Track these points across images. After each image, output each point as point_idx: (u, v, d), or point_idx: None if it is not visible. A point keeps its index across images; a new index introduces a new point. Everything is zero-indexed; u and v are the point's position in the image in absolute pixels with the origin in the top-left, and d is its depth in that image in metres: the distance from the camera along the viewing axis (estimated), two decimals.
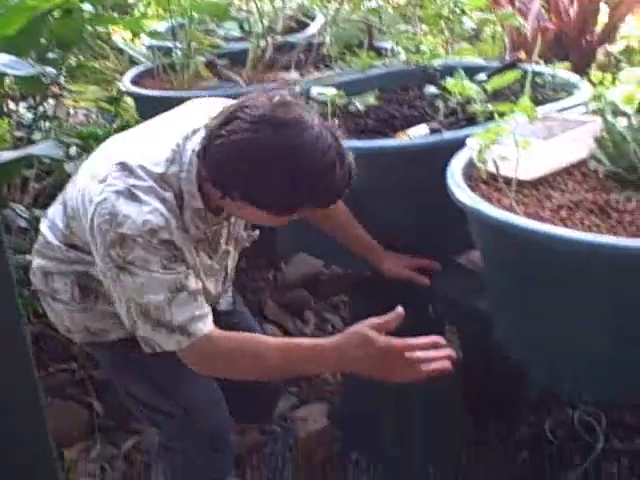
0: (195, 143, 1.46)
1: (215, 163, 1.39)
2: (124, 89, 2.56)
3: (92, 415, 2.40)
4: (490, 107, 1.71)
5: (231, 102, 1.46)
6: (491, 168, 1.52)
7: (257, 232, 1.79)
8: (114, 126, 2.74)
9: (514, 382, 2.35)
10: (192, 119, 1.53)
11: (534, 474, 2.09)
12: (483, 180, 1.57)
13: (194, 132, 1.48)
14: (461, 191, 1.48)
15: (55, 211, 1.66)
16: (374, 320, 1.45)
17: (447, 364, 1.44)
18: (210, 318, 1.48)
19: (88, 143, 2.31)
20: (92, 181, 1.47)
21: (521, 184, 1.52)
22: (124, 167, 1.44)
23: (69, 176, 2.31)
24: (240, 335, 1.52)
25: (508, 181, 1.49)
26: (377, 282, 1.98)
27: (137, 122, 2.99)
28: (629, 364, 1.40)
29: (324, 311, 3.00)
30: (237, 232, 1.72)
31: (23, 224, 2.25)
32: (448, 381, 2.20)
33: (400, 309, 1.45)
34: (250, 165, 1.35)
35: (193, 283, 1.46)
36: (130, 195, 1.41)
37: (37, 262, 1.68)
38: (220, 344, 1.46)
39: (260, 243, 3.25)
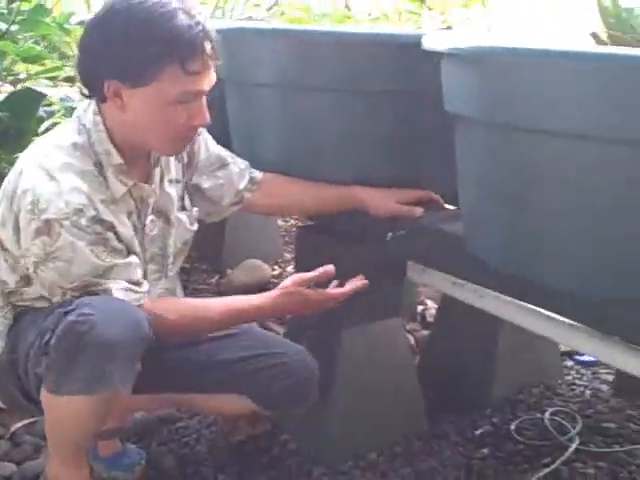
0: (92, 108, 1.44)
1: (85, 54, 1.39)
2: None
3: None
4: None
5: None
6: None
7: (195, 211, 1.65)
8: None
9: (478, 378, 2.05)
10: None
11: (495, 472, 1.74)
12: None
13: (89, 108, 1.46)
14: (435, 38, 1.25)
15: None
16: (305, 276, 1.55)
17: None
18: (145, 294, 1.41)
19: None
20: (7, 189, 1.40)
21: None
22: (35, 155, 1.39)
23: None
24: (176, 304, 1.52)
25: None
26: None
27: None
28: None
29: (269, 321, 2.68)
30: (169, 209, 1.57)
31: None
32: (404, 371, 1.90)
33: (330, 267, 1.56)
34: (97, 42, 1.35)
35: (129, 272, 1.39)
36: (48, 177, 1.34)
37: None
38: (156, 318, 1.39)
39: (206, 247, 2.98)
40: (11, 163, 2.39)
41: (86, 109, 1.44)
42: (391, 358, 1.86)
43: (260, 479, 1.71)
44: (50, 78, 2.52)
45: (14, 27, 2.46)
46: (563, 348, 2.28)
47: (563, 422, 1.91)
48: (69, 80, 2.25)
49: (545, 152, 1.21)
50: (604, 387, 2.13)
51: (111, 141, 1.41)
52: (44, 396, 1.35)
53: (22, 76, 2.64)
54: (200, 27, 1.33)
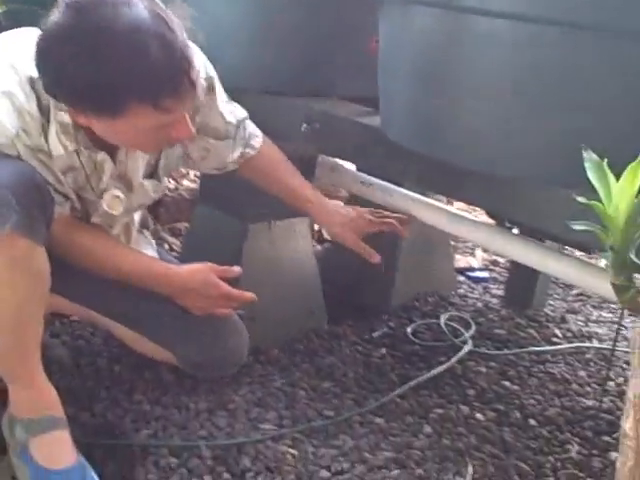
0: None
1: (40, 68, 1.19)
2: None
3: None
4: None
5: None
6: None
7: (165, 184, 1.58)
8: None
9: (376, 288, 2.08)
10: None
11: (393, 369, 1.78)
12: None
13: None
14: None
15: None
16: (217, 267, 1.49)
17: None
18: (65, 208, 1.34)
19: None
20: None
21: None
22: None
23: None
24: (93, 233, 1.41)
25: None
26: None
27: None
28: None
29: (163, 232, 2.62)
30: (133, 175, 1.43)
31: None
32: (306, 269, 1.90)
33: (237, 269, 1.52)
34: (56, 57, 1.15)
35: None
36: None
37: None
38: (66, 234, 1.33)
39: None
40: None
41: None
42: (295, 256, 1.86)
43: (158, 370, 1.67)
44: None
45: None
46: (457, 265, 2.36)
47: (457, 327, 1.97)
48: None
49: (468, 31, 1.21)
50: (494, 300, 2.21)
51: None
52: None
53: None
54: (176, 60, 1.15)
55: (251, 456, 1.42)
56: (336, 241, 1.67)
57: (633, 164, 0.84)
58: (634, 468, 0.91)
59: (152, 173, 1.48)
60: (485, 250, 2.52)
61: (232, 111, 1.54)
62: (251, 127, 1.59)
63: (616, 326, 2.17)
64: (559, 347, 1.97)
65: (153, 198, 1.53)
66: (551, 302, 2.26)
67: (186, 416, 1.52)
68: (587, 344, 2.01)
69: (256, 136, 1.60)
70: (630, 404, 0.92)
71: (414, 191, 1.68)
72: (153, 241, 1.71)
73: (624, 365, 1.90)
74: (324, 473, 1.39)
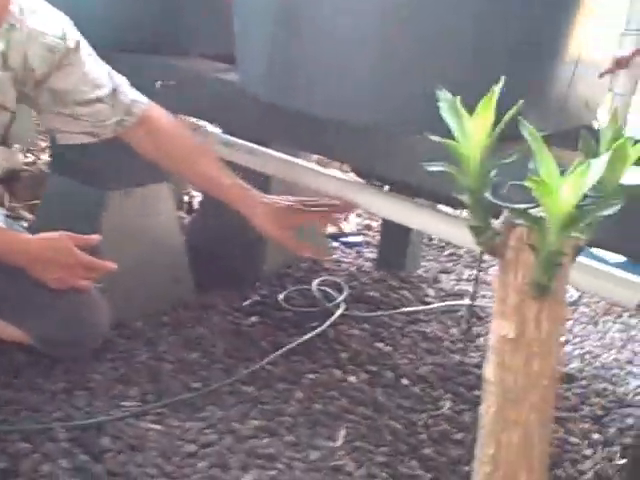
0: None
1: None
2: None
3: None
4: None
5: None
6: None
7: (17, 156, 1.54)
8: None
9: (247, 257, 2.02)
10: None
11: (264, 336, 1.72)
12: None
13: None
14: None
15: None
16: (73, 235, 1.42)
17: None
18: None
19: None
20: None
21: None
22: None
23: None
24: None
25: None
26: None
27: None
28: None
29: (22, 210, 2.46)
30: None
31: None
32: (170, 238, 1.82)
33: (96, 237, 1.45)
34: None
35: None
36: None
37: None
38: None
39: None
40: None
41: None
42: (157, 223, 1.77)
43: (11, 352, 1.54)
44: None
45: None
46: (329, 231, 2.32)
47: (329, 291, 1.93)
48: None
49: None
50: (368, 264, 2.19)
51: None
52: None
53: None
54: None
55: (111, 435, 1.33)
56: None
57: (485, 98, 0.81)
58: (497, 413, 0.89)
59: (2, 140, 1.40)
60: (358, 215, 2.50)
61: (105, 76, 1.41)
62: (134, 94, 1.44)
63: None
64: (431, 306, 1.97)
65: (2, 166, 1.42)
66: (424, 263, 2.26)
67: (41, 398, 1.42)
68: (458, 302, 2.02)
69: (140, 103, 1.44)
70: (491, 349, 0.89)
71: (282, 151, 1.62)
72: (1, 210, 1.59)
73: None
74: (190, 447, 1.33)
